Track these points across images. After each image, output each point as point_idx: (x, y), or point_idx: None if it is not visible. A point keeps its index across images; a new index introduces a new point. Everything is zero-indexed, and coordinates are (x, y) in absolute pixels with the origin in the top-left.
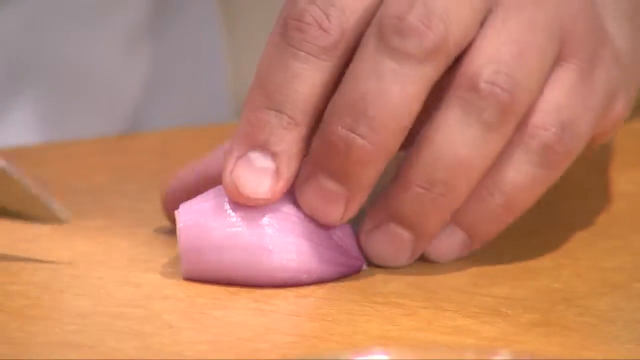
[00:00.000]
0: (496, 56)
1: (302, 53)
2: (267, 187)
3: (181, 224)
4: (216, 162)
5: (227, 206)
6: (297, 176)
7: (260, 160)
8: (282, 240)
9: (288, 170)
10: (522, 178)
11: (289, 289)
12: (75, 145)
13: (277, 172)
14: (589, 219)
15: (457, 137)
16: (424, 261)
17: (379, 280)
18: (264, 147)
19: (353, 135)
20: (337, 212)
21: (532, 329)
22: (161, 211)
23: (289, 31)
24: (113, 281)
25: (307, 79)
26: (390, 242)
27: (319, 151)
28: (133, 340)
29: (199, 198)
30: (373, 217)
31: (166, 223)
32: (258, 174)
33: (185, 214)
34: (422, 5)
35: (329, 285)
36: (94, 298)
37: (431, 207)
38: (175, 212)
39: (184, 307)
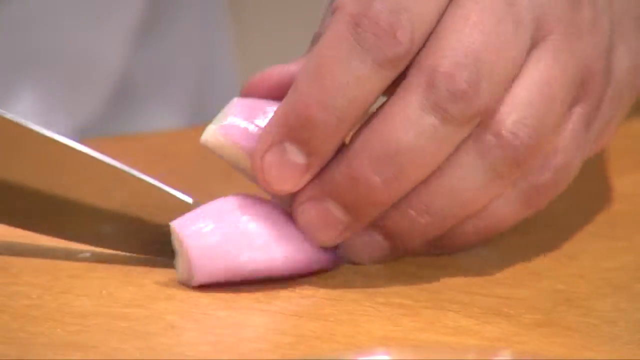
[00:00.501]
0: (524, 100)
1: (371, 59)
2: (294, 182)
3: (184, 237)
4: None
5: (220, 210)
6: (300, 191)
7: (295, 155)
8: (275, 235)
9: (318, 168)
10: (506, 213)
11: (290, 289)
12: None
13: (307, 168)
14: (591, 220)
15: (466, 179)
16: (425, 261)
17: (380, 281)
18: (303, 144)
19: (377, 179)
20: (333, 235)
21: (534, 329)
22: None
23: (362, 32)
24: (115, 281)
25: (367, 86)
26: (369, 247)
27: (336, 180)
28: (135, 341)
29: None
30: None
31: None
32: (288, 168)
33: (184, 227)
34: (472, 65)
35: (331, 285)
36: (96, 298)
37: (418, 232)
38: (172, 225)
39: (186, 308)
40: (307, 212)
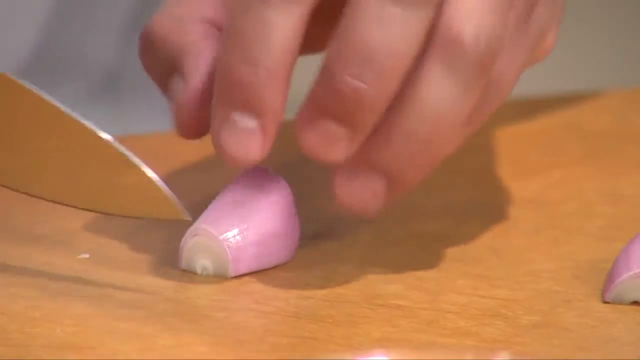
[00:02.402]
0: (476, 5)
1: (272, 1)
2: (256, 148)
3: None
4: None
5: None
6: (296, 120)
7: (245, 121)
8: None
9: (274, 124)
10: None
11: (289, 290)
12: None
13: (263, 130)
14: (590, 221)
15: (439, 94)
16: (423, 262)
17: (379, 282)
18: (245, 107)
19: (361, 83)
20: (340, 152)
21: (533, 330)
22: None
23: None
24: (114, 283)
25: (279, 27)
26: (366, 190)
27: (324, 97)
28: (134, 342)
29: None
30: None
31: (167, 225)
32: (244, 136)
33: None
34: None
35: (329, 286)
36: (95, 299)
37: (408, 161)
38: (203, 226)
39: (184, 309)
40: (307, 137)
